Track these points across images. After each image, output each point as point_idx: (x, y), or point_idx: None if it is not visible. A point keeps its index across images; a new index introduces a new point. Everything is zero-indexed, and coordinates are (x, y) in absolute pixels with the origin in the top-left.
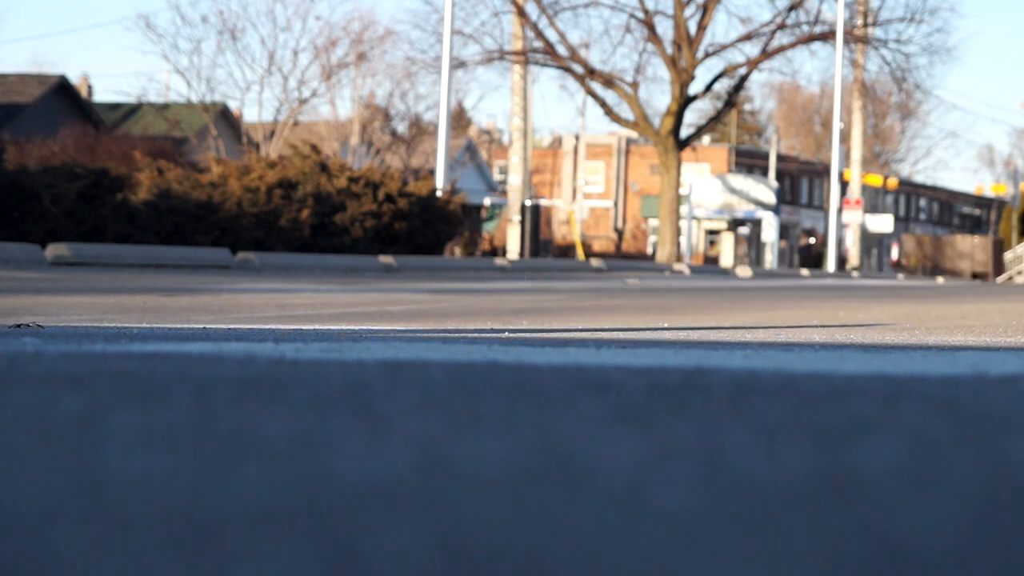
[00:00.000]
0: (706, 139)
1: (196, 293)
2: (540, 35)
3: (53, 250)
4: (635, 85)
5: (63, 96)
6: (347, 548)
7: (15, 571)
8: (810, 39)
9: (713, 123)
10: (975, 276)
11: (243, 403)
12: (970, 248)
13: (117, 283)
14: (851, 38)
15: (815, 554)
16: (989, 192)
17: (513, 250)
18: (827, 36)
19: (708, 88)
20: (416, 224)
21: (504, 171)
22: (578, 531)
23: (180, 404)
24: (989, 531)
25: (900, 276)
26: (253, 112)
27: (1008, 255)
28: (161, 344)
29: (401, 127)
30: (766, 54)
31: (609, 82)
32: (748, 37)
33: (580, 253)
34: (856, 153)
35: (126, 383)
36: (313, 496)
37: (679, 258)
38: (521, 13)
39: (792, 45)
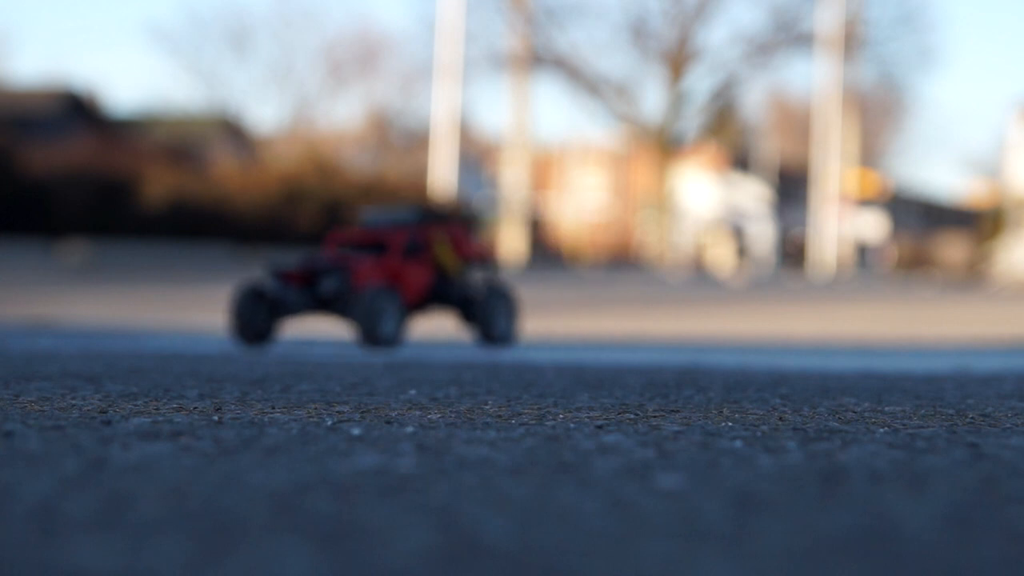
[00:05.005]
0: (701, 142)
1: (207, 289)
2: (536, 39)
3: (68, 251)
4: (630, 89)
5: (76, 105)
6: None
7: (28, 552)
8: (801, 45)
9: (708, 126)
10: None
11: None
12: (955, 248)
13: (131, 282)
14: (840, 44)
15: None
16: (973, 193)
17: (512, 254)
18: (816, 42)
19: (701, 91)
20: None
21: (502, 175)
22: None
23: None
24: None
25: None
26: (262, 119)
27: (991, 252)
28: (172, 343)
29: (406, 132)
30: (759, 58)
31: (605, 85)
32: (741, 42)
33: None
34: (843, 157)
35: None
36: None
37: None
38: (518, 17)
39: (784, 51)
